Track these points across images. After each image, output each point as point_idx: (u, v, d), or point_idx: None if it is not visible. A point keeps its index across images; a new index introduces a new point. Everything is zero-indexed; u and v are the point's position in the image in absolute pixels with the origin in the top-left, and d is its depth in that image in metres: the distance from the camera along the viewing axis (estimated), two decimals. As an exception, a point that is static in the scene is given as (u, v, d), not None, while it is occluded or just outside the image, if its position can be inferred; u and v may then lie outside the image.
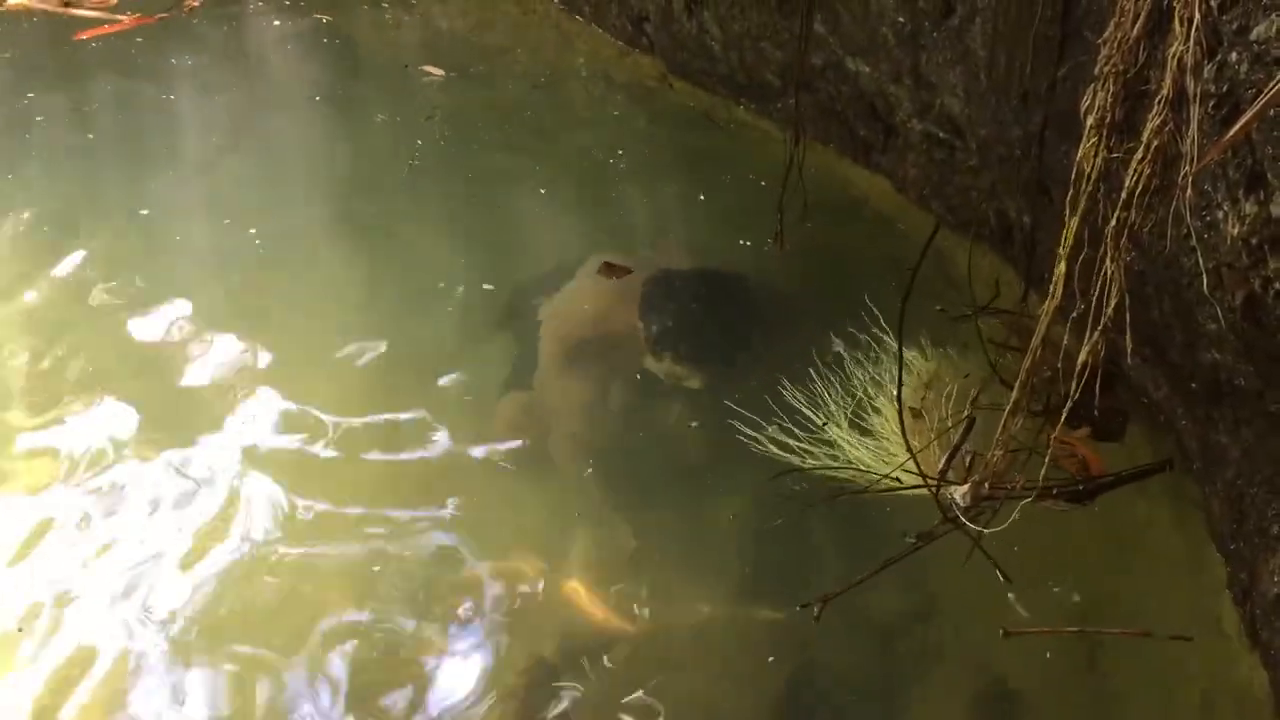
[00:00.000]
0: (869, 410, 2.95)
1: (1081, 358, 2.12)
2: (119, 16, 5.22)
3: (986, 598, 2.52)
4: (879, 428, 2.90)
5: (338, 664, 2.49)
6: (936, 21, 3.21)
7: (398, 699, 2.42)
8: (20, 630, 2.48)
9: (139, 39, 5.09)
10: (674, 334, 3.24)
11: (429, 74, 4.85)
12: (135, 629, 2.51)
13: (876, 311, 3.14)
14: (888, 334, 3.09)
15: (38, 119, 4.45)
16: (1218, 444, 2.56)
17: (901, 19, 3.34)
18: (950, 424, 2.80)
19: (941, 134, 3.47)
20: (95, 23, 5.16)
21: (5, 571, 2.62)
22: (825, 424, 2.89)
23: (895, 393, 2.76)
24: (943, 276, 3.51)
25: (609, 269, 3.57)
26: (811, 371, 3.04)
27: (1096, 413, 2.34)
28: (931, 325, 3.16)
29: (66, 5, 5.30)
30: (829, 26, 3.69)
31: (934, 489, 2.58)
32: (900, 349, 2.69)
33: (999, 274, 3.43)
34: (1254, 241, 1.94)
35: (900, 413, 2.68)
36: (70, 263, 3.60)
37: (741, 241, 3.75)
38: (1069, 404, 2.17)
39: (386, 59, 5.04)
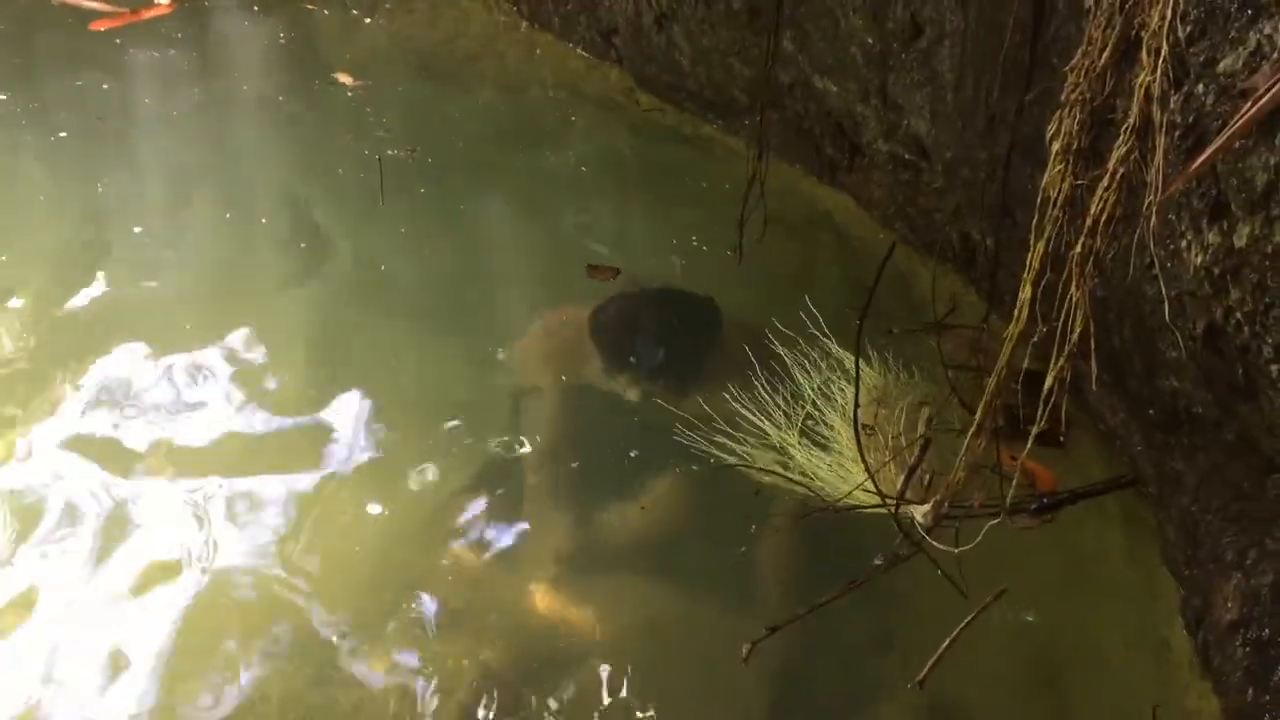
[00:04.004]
0: (823, 424, 2.95)
1: (1048, 384, 2.13)
2: (119, 9, 5.14)
3: (944, 616, 2.52)
4: (833, 443, 2.90)
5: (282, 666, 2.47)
6: (905, 43, 3.22)
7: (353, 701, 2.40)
8: None
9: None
10: (626, 352, 3.22)
11: (342, 83, 4.77)
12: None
13: (831, 329, 3.15)
14: (841, 349, 3.09)
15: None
16: (1173, 471, 2.58)
17: (870, 39, 3.36)
18: (905, 442, 2.81)
19: (907, 155, 3.49)
20: (102, 15, 5.08)
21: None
22: (780, 440, 2.89)
23: (849, 411, 2.76)
24: (901, 297, 3.52)
25: (594, 271, 3.58)
26: (764, 387, 3.03)
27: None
28: (884, 343, 3.18)
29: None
30: (798, 45, 3.70)
31: (894, 509, 2.58)
32: (858, 367, 2.70)
33: (960, 295, 3.45)
34: (1216, 271, 1.96)
35: (857, 433, 2.68)
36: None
37: (702, 255, 3.75)
38: (1036, 429, 2.18)
39: (349, 65, 4.98)
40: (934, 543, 2.48)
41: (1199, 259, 1.99)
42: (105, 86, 4.62)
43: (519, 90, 4.87)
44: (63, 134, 4.27)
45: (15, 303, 3.41)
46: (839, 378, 3.04)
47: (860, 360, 3.01)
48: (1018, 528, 2.65)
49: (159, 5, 5.20)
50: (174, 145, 4.38)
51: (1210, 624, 2.38)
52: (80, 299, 3.46)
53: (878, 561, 2.55)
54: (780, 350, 3.11)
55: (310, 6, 5.41)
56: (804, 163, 4.13)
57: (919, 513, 2.55)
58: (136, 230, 3.78)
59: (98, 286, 3.51)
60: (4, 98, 4.48)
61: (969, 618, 2.39)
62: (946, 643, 2.35)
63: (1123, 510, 2.80)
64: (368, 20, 5.38)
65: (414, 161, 4.22)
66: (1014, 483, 2.38)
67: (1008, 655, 2.55)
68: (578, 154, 4.37)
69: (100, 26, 5.00)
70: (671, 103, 4.63)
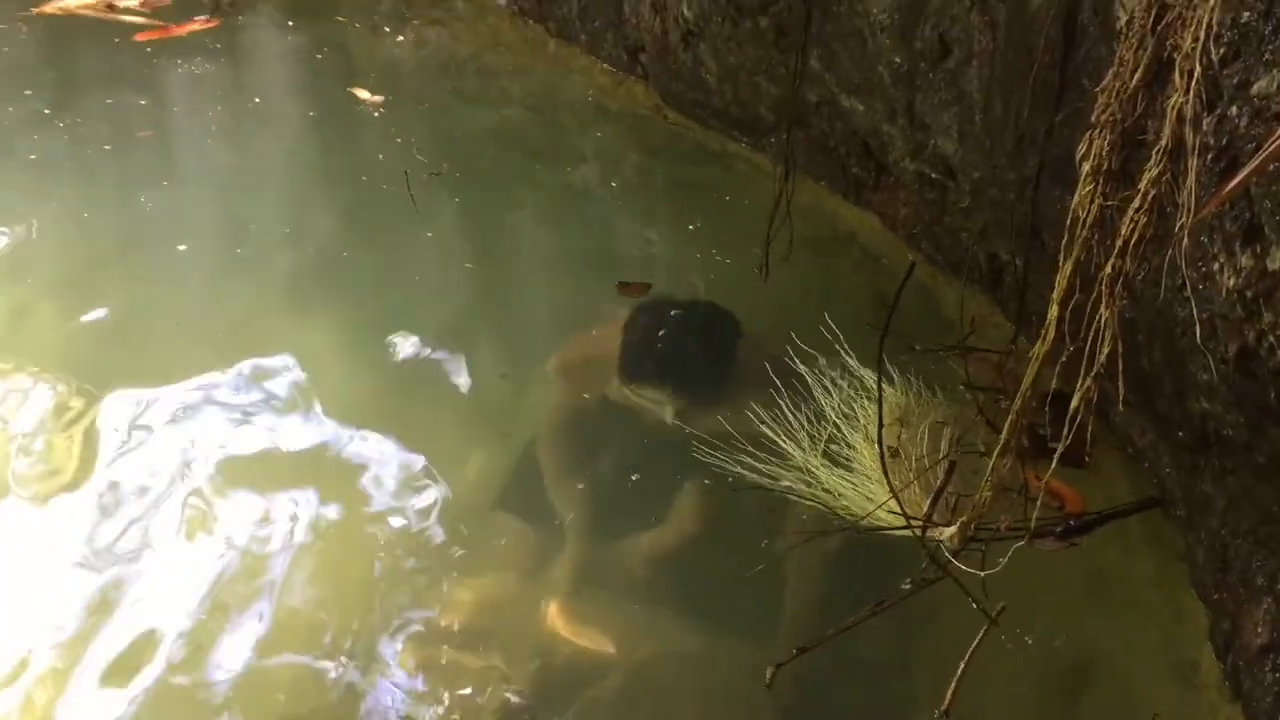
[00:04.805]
0: (845, 445, 2.93)
1: (1074, 404, 2.12)
2: (156, 21, 5.22)
3: (965, 635, 2.49)
4: (856, 463, 2.89)
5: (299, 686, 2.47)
6: (933, 63, 3.23)
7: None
8: None
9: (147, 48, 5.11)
10: (649, 365, 3.18)
11: (362, 99, 4.80)
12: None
13: (854, 347, 3.12)
14: (863, 367, 3.08)
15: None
16: (1203, 493, 2.56)
17: (898, 59, 3.37)
18: (929, 463, 2.79)
19: (934, 174, 3.49)
20: (145, 28, 5.17)
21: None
22: (804, 460, 2.88)
23: (872, 430, 2.74)
24: (927, 315, 3.51)
25: (625, 288, 3.57)
26: (787, 405, 3.00)
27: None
28: (907, 362, 3.15)
29: (109, 8, 5.25)
30: (825, 63, 3.71)
31: (920, 531, 2.57)
32: (880, 387, 2.68)
33: (984, 315, 3.44)
34: (1249, 294, 1.95)
35: (881, 454, 2.67)
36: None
37: (728, 272, 3.75)
38: (1061, 449, 2.17)
39: (378, 81, 5.03)
40: (959, 564, 2.46)
41: (1231, 281, 1.98)
42: (142, 101, 4.68)
43: (545, 106, 4.91)
44: (106, 147, 4.33)
45: (61, 319, 3.45)
46: (861, 396, 3.03)
47: (882, 379, 3.01)
48: (1043, 550, 2.64)
49: (199, 20, 5.27)
50: (213, 159, 4.44)
51: (1240, 648, 2.35)
52: (122, 313, 3.50)
53: (906, 585, 2.52)
54: (802, 368, 3.10)
55: (341, 19, 5.47)
56: (830, 181, 4.14)
57: (945, 535, 2.53)
58: (180, 246, 3.82)
59: (139, 301, 3.56)
60: (48, 112, 4.54)
61: (977, 638, 2.36)
62: (961, 667, 2.33)
63: (1150, 533, 2.77)
64: (400, 37, 5.44)
65: (441, 178, 4.25)
66: (1038, 504, 2.36)
67: (1033, 678, 2.52)
68: (605, 170, 4.39)
69: (145, 38, 5.07)
70: (697, 120, 4.65)
